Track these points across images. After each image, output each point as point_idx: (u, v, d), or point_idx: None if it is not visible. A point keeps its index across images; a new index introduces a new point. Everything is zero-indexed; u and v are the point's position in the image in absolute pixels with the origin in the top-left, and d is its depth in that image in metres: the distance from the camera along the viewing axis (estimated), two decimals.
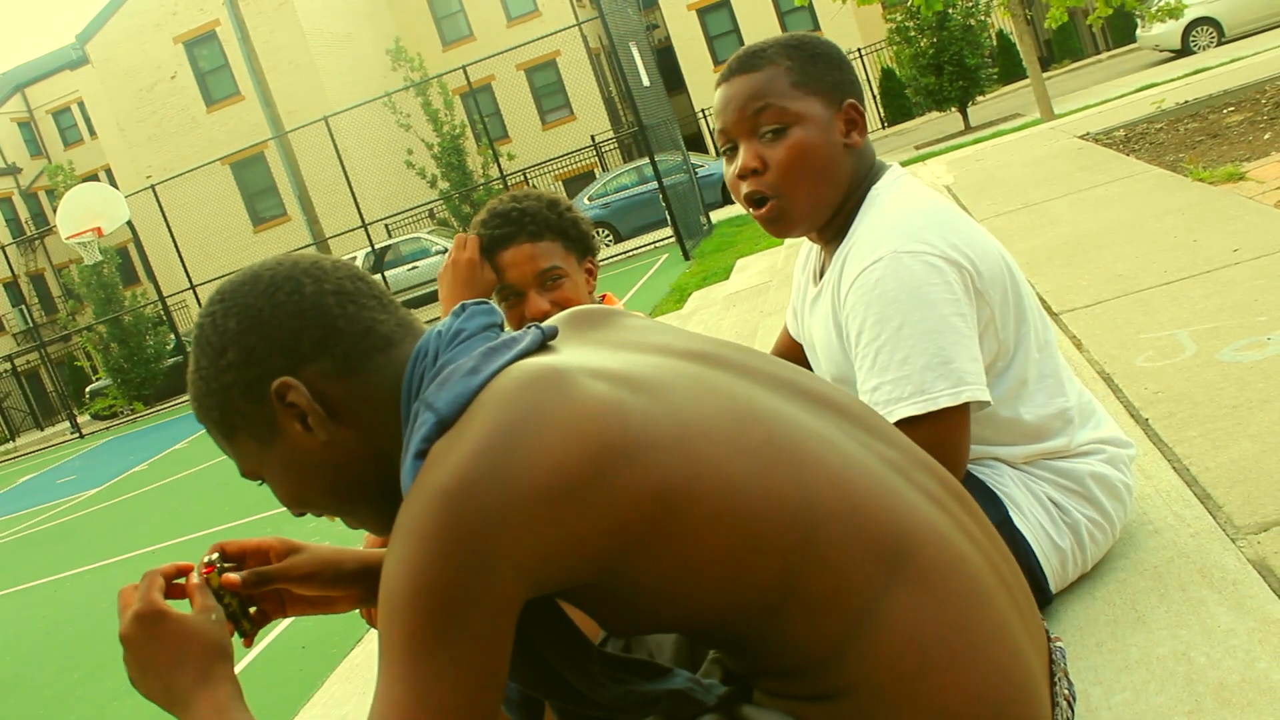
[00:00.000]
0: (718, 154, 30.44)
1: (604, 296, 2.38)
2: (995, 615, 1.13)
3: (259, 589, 1.37)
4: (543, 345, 1.21)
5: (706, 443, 1.09)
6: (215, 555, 1.36)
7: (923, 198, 1.79)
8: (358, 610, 1.74)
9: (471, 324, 1.22)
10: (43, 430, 31.90)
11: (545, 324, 1.24)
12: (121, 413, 26.30)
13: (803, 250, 2.07)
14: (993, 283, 1.71)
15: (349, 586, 1.43)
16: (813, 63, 1.80)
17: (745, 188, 1.83)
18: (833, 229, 1.85)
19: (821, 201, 1.81)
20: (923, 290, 1.65)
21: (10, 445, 29.32)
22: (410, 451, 1.11)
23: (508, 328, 1.95)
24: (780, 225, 1.84)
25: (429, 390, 1.14)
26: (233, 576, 1.34)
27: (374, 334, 1.22)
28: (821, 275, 1.91)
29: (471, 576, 1.00)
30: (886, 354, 1.66)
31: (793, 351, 2.16)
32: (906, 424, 1.63)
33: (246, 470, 1.27)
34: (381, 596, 1.04)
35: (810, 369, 2.04)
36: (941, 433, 1.64)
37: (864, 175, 1.84)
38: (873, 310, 1.67)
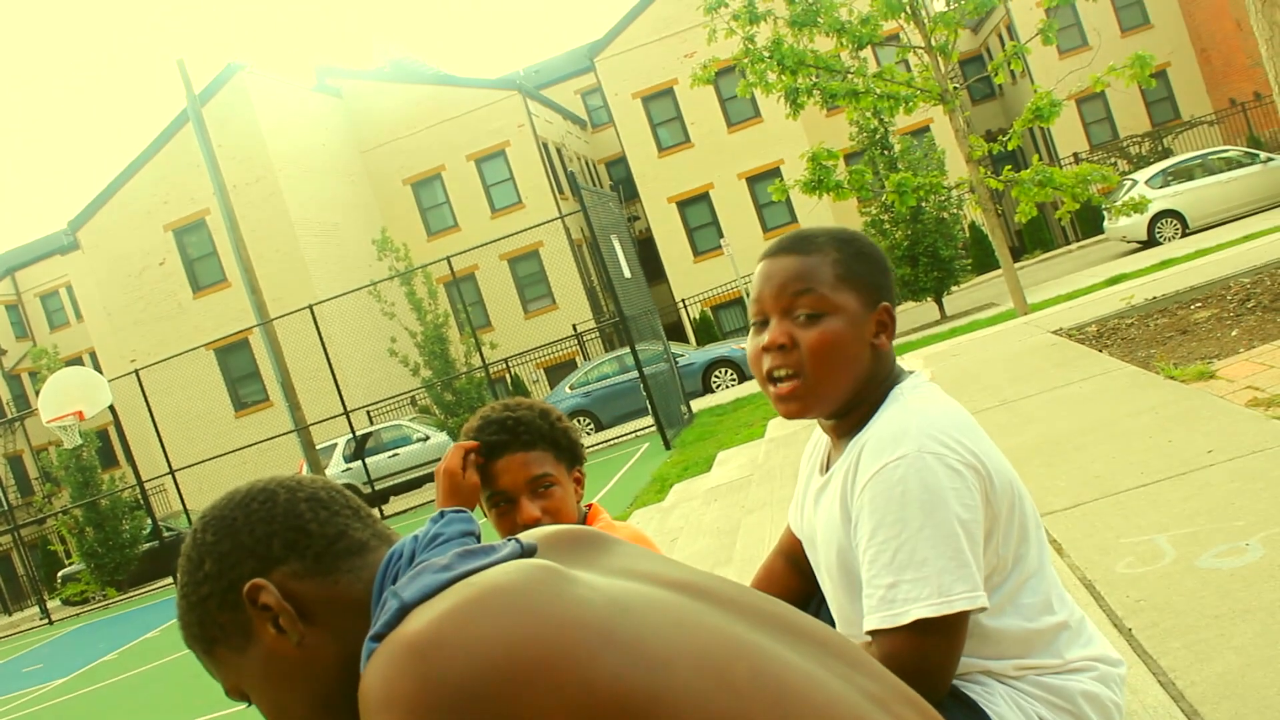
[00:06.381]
0: (698, 343, 30.89)
1: (590, 506, 2.40)
2: None
3: None
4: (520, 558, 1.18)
5: (694, 675, 1.05)
6: None
7: (945, 402, 1.84)
8: None
9: (449, 529, 1.22)
10: (10, 615, 31.26)
11: (525, 539, 1.22)
12: (94, 598, 25.80)
13: (810, 443, 2.10)
14: (1001, 496, 1.75)
15: None
16: (859, 260, 1.87)
17: (768, 361, 1.86)
18: (849, 422, 1.88)
19: (838, 391, 1.84)
20: (944, 494, 1.67)
21: None
22: (371, 633, 1.10)
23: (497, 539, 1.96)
24: (795, 405, 1.86)
25: (400, 583, 1.13)
26: None
27: (347, 538, 1.23)
28: (829, 466, 1.93)
29: None
30: (906, 553, 1.67)
31: (796, 548, 2.16)
32: (919, 627, 1.64)
33: (230, 687, 1.25)
34: None
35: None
36: (951, 637, 1.65)
37: (884, 375, 1.88)
38: (893, 508, 1.69)
